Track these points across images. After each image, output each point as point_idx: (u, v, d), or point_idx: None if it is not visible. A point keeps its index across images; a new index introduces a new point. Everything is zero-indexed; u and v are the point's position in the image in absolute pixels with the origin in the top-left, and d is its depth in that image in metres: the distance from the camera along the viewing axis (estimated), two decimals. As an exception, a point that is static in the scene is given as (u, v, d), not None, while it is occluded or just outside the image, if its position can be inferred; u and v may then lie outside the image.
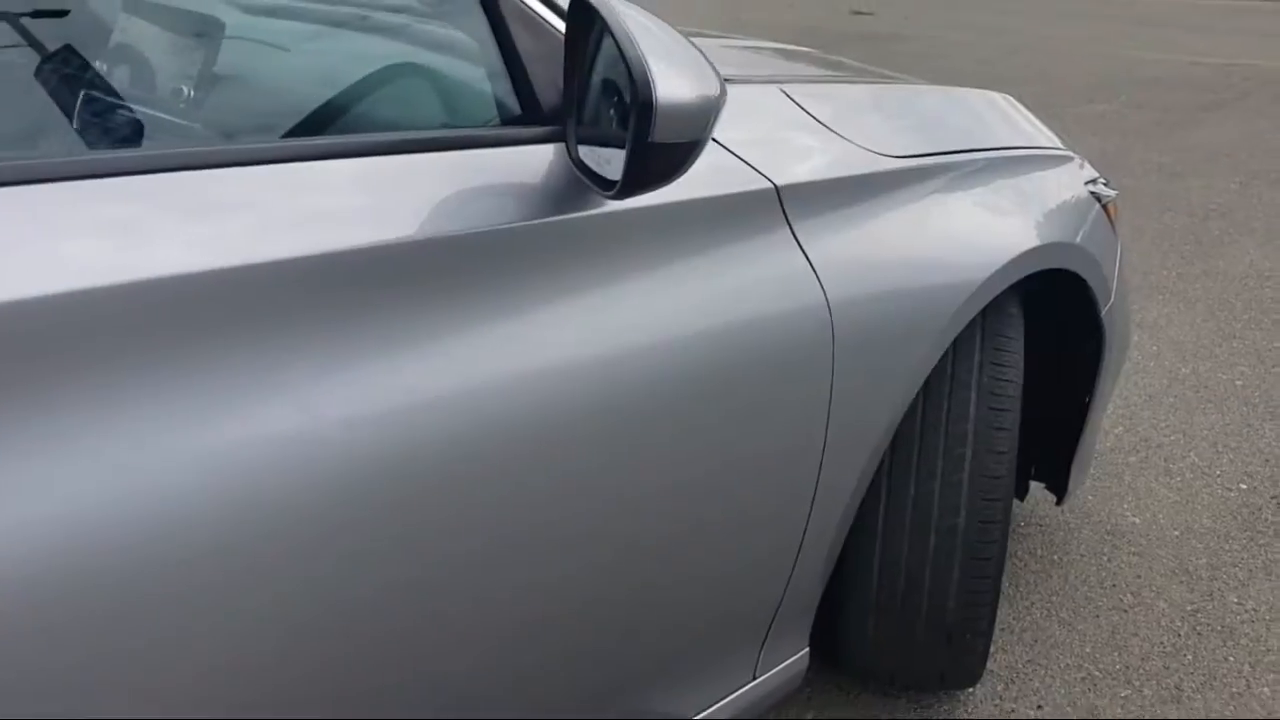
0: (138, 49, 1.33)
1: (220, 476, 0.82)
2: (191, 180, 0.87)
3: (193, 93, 1.23)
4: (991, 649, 1.82)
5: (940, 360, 1.50)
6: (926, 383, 1.50)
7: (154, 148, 1.08)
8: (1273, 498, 2.41)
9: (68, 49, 1.19)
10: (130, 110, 1.17)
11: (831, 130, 1.40)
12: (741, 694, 1.43)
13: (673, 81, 0.90)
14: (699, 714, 1.37)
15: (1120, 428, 2.70)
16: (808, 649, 1.52)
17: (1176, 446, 2.63)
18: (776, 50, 2.22)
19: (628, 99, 0.90)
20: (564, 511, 1.06)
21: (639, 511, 1.14)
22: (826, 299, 1.28)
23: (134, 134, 1.14)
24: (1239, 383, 2.99)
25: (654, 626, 1.26)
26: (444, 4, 1.08)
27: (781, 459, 1.29)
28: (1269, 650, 1.92)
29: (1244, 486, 2.46)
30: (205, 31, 1.32)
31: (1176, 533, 2.27)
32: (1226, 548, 2.22)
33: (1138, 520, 2.32)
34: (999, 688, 1.81)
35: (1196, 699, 1.80)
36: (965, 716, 1.75)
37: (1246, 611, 2.03)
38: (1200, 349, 3.21)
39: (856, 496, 1.43)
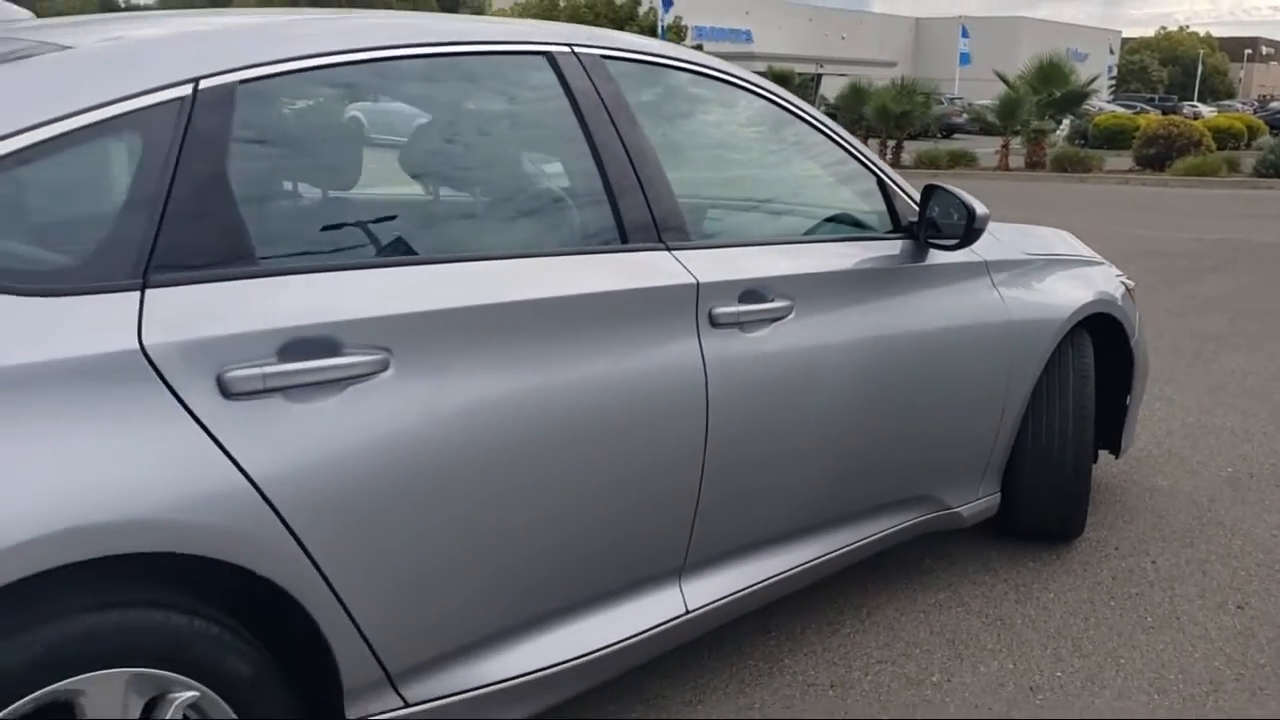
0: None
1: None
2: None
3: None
4: (1087, 520, 3.34)
5: (1052, 354, 3.10)
6: (1047, 365, 3.10)
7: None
8: (1249, 474, 3.97)
9: None
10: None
11: (999, 239, 3.06)
12: (972, 504, 3.00)
13: (979, 209, 2.59)
14: (958, 506, 2.94)
15: (1152, 446, 4.27)
16: (999, 493, 3.09)
17: (1186, 453, 4.20)
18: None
19: (963, 215, 2.59)
20: (910, 404, 2.68)
21: (934, 406, 2.75)
22: (1009, 316, 2.91)
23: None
24: (1227, 427, 4.57)
25: (941, 459, 2.85)
26: (865, 202, 2.81)
27: (990, 384, 2.91)
28: (1241, 523, 3.46)
29: (1230, 470, 4.02)
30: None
31: (1188, 489, 3.82)
32: (1220, 493, 3.77)
33: (1165, 484, 3.87)
34: (1094, 542, 3.34)
35: (1214, 536, 3.32)
36: (1078, 557, 3.26)
37: (1228, 514, 3.56)
38: (1201, 409, 4.81)
39: (1020, 415, 3.02)
